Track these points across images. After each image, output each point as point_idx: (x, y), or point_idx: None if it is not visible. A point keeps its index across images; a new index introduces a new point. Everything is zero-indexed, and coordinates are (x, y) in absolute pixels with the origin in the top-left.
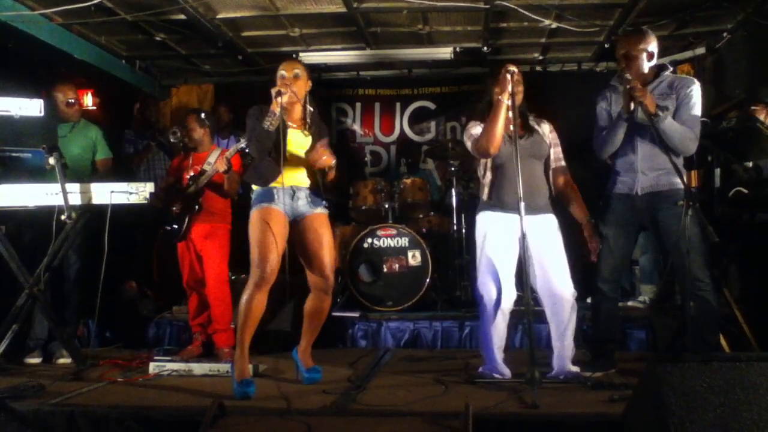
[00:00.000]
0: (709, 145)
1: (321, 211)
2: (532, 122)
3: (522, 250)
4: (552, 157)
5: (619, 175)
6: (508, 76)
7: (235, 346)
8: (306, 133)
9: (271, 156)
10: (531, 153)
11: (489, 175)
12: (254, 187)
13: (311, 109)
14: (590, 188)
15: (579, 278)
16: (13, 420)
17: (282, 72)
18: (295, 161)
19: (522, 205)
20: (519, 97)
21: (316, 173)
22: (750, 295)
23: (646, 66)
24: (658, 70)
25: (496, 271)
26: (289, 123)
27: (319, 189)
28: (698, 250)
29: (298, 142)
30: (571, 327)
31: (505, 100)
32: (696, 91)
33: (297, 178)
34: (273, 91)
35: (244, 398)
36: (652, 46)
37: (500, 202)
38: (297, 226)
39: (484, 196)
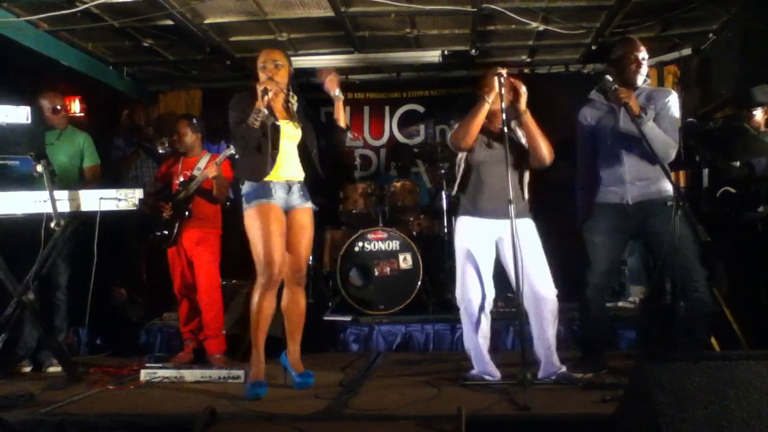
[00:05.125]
0: (696, 145)
1: (310, 206)
2: (514, 128)
3: (514, 253)
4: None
5: (607, 186)
6: (495, 79)
7: (251, 348)
8: (296, 124)
9: (261, 150)
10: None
11: (462, 174)
12: (246, 181)
13: (294, 98)
14: (576, 189)
15: (567, 280)
16: (2, 430)
17: (263, 63)
18: (287, 154)
19: (512, 208)
20: (506, 100)
21: (308, 166)
22: (738, 293)
23: (643, 72)
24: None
25: (475, 275)
26: (277, 116)
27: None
28: (693, 251)
29: (288, 133)
30: (552, 328)
31: (489, 100)
32: (674, 101)
33: (291, 171)
34: (259, 89)
35: (255, 399)
36: (642, 53)
37: (476, 207)
38: (286, 217)
39: (462, 200)
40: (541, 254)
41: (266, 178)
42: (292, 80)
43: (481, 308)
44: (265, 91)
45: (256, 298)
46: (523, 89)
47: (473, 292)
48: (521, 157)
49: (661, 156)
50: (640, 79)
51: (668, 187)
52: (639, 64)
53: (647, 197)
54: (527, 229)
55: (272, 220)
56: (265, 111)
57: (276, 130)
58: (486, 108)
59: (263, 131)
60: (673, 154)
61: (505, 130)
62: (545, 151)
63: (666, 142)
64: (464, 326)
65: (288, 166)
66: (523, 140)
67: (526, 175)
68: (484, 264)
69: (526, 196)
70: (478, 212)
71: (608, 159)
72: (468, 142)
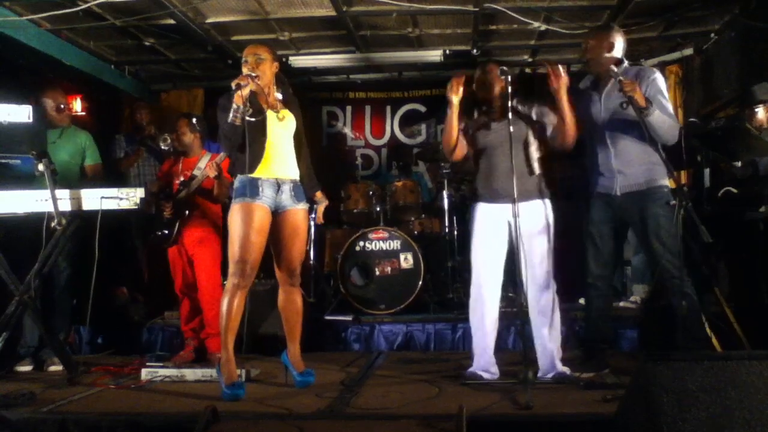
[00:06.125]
0: (698, 145)
1: (303, 207)
2: (517, 105)
3: (514, 245)
4: (547, 121)
5: (599, 176)
6: (454, 83)
7: (221, 350)
8: (284, 113)
9: (249, 142)
10: (513, 137)
11: (476, 165)
12: (238, 175)
13: (279, 95)
14: (581, 186)
15: (570, 279)
16: (4, 428)
17: (245, 58)
18: (278, 148)
19: (511, 203)
20: (497, 89)
21: (300, 165)
22: (740, 293)
23: (604, 58)
24: (615, 64)
25: (489, 261)
26: (268, 108)
27: (302, 183)
28: (672, 248)
29: (276, 123)
30: (547, 325)
31: (455, 101)
32: (659, 79)
33: (282, 169)
34: (233, 85)
35: (234, 400)
36: (613, 38)
37: (489, 190)
38: (276, 217)
39: (476, 187)
40: (547, 239)
41: (255, 174)
42: (282, 74)
43: (493, 296)
44: (239, 87)
45: (226, 299)
46: (562, 72)
47: (486, 278)
48: (525, 133)
49: (667, 140)
50: (604, 59)
51: (658, 177)
52: (609, 53)
53: (634, 188)
54: (538, 211)
55: (253, 220)
56: (242, 107)
57: (263, 119)
58: (452, 113)
59: (252, 124)
60: (677, 134)
61: (510, 118)
62: (572, 131)
63: (670, 125)
64: (473, 316)
65: (279, 163)
66: (534, 112)
67: (532, 151)
68: (498, 251)
69: (536, 170)
70: (491, 197)
71: (598, 148)
72: (450, 145)
